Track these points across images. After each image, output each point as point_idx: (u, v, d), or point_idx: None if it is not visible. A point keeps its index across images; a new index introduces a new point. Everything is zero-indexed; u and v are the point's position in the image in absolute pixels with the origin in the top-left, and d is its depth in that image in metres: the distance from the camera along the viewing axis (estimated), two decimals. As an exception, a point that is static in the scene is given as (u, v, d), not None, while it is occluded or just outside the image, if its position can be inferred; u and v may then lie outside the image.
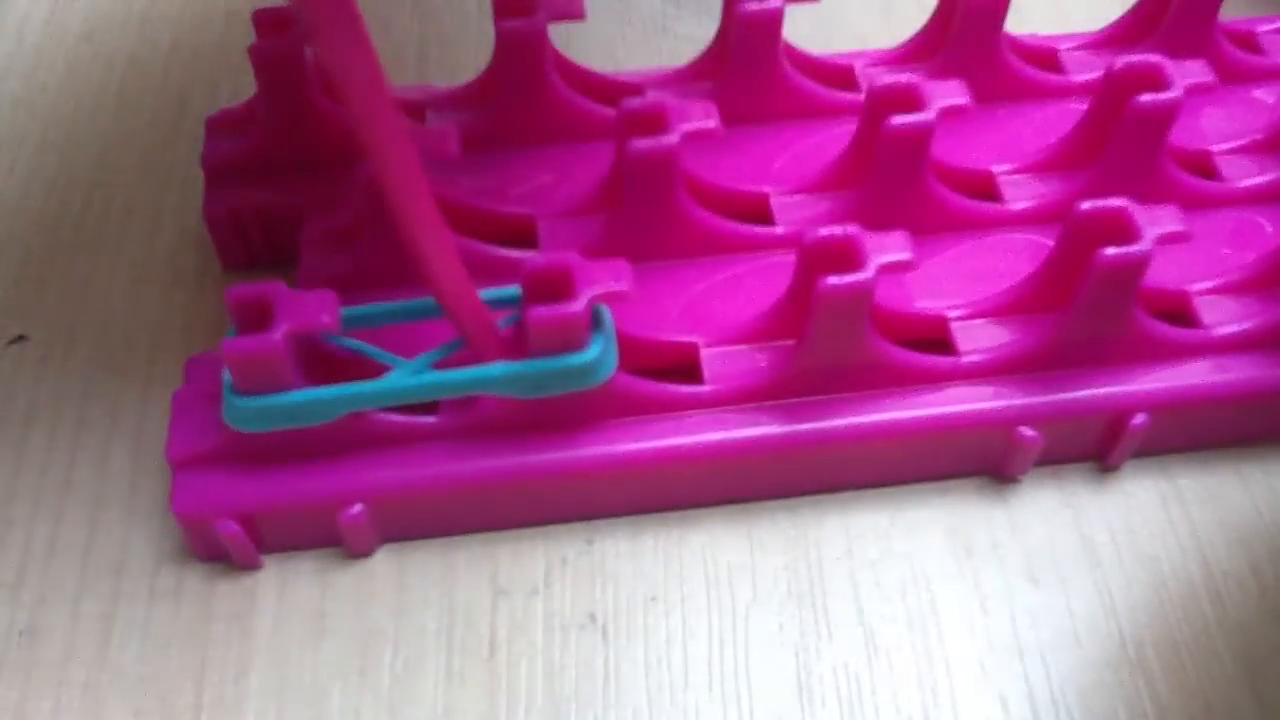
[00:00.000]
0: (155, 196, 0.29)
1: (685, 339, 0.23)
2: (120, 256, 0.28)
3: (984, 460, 0.24)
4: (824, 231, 0.21)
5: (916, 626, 0.22)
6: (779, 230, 0.25)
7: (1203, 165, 0.27)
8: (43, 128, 0.30)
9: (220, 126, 0.27)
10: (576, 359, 0.21)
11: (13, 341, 0.26)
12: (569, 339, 0.21)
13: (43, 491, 0.24)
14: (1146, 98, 0.23)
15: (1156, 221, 0.21)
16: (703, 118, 0.23)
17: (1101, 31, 0.29)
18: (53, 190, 0.29)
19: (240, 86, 0.30)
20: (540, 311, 0.20)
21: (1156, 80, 0.24)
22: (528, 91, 0.26)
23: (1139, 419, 0.23)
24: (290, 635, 0.22)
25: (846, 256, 0.21)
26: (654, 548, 0.23)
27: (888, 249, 0.21)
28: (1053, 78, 0.28)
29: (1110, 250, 0.21)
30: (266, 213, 0.26)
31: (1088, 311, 0.22)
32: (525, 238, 0.25)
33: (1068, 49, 0.29)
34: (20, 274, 0.27)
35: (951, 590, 0.23)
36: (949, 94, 0.23)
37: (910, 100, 0.23)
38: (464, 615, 0.22)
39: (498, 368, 0.21)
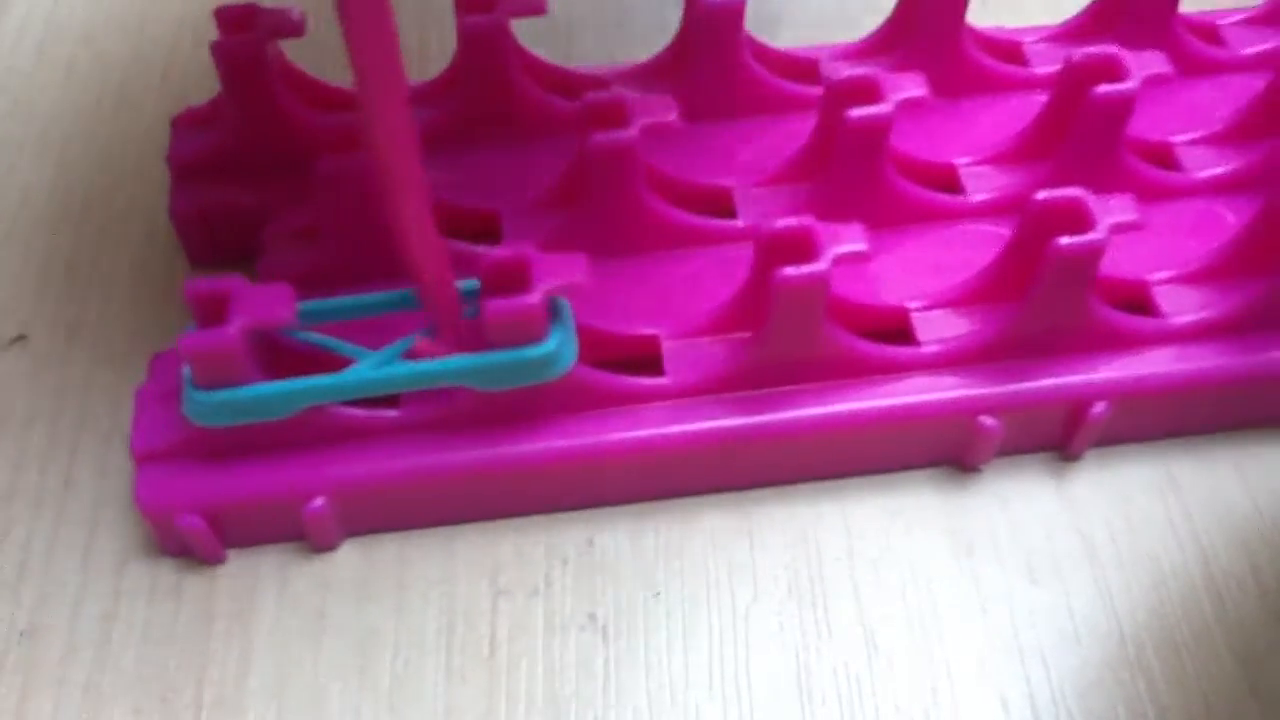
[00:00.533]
0: (154, 197, 0.29)
1: (646, 331, 0.23)
2: (120, 256, 0.28)
3: (945, 450, 0.24)
4: (780, 223, 0.21)
5: (916, 626, 0.22)
6: (741, 223, 0.25)
7: (1163, 156, 0.27)
8: (43, 128, 0.31)
9: (186, 124, 0.27)
10: (535, 351, 0.21)
11: (14, 341, 0.26)
12: (527, 331, 0.21)
13: (43, 491, 0.24)
14: (1104, 88, 0.24)
15: (1111, 211, 0.21)
16: (662, 111, 0.23)
17: (1064, 24, 0.29)
18: (53, 190, 0.29)
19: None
20: (497, 304, 0.20)
21: (1114, 71, 0.24)
22: (491, 87, 0.26)
23: (1099, 408, 0.23)
24: (290, 635, 0.22)
25: (802, 248, 0.21)
26: (654, 547, 0.23)
27: (843, 240, 0.21)
28: (1015, 70, 0.28)
29: (1065, 239, 0.21)
30: (232, 210, 0.26)
31: (1045, 300, 0.22)
32: (489, 232, 0.25)
33: (1031, 41, 0.29)
34: (20, 274, 0.28)
35: (951, 590, 0.23)
36: (907, 86, 0.23)
37: (869, 92, 0.23)
38: (464, 615, 0.23)
39: (457, 360, 0.21)
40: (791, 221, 0.21)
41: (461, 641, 0.22)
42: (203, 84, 0.31)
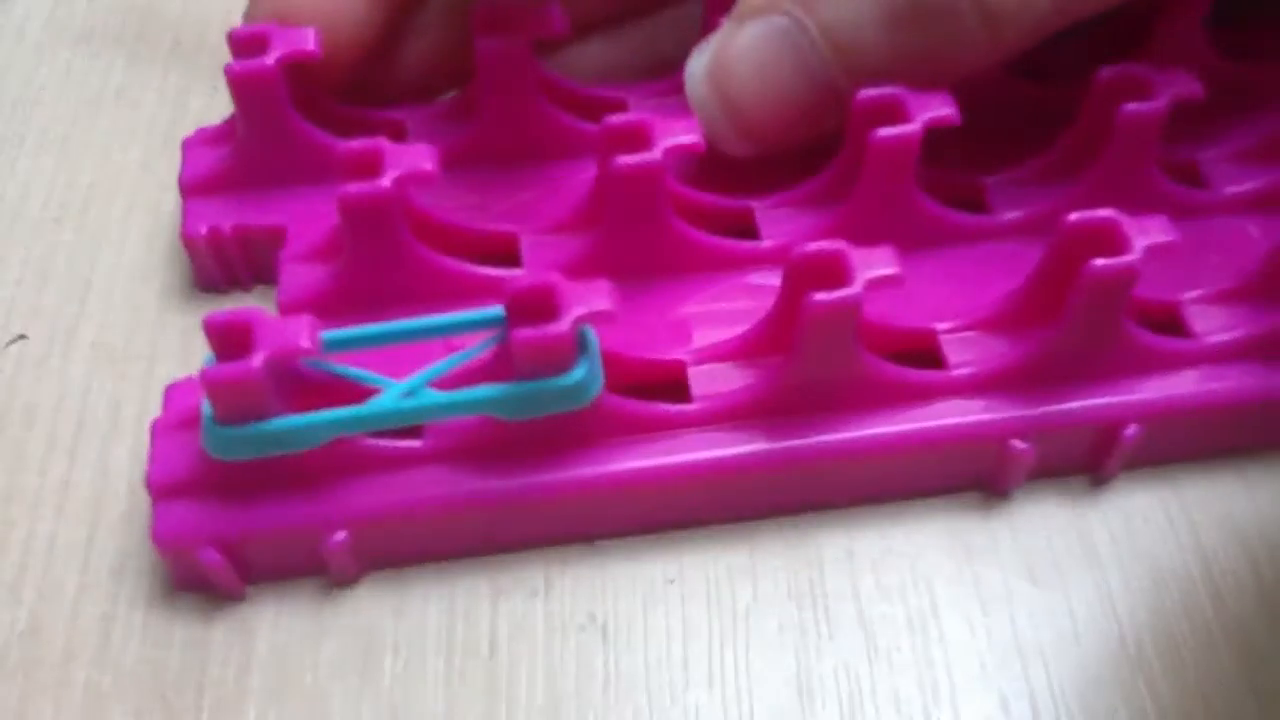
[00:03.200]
0: (155, 197, 0.29)
1: (672, 357, 0.23)
2: (121, 256, 0.28)
3: (976, 474, 0.23)
4: (810, 247, 0.21)
5: (917, 627, 0.22)
6: (766, 244, 0.25)
7: (1190, 173, 0.27)
8: (42, 128, 0.30)
9: (198, 145, 0.27)
10: (563, 380, 0.21)
11: (13, 341, 0.26)
12: (555, 360, 0.20)
13: (43, 491, 0.24)
14: (1133, 106, 0.23)
15: (1146, 232, 0.21)
16: (687, 133, 0.23)
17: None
18: (53, 190, 0.29)
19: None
20: (525, 333, 0.20)
21: (1143, 87, 0.24)
22: (510, 108, 0.26)
23: (1131, 430, 0.23)
24: (291, 635, 0.22)
25: (833, 272, 0.21)
26: (655, 548, 0.23)
27: (875, 264, 0.20)
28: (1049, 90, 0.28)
29: (1100, 261, 0.21)
30: (245, 233, 0.26)
31: (1078, 323, 0.22)
32: (508, 255, 0.25)
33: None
34: (20, 274, 0.27)
35: (952, 591, 0.23)
36: (934, 105, 0.23)
37: (897, 111, 0.23)
38: (464, 615, 0.22)
39: (484, 389, 0.21)
40: (823, 245, 0.21)
41: (462, 641, 0.22)
42: (204, 84, 0.31)
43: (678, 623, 0.22)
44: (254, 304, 0.25)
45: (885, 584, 0.23)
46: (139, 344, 0.26)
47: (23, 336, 0.26)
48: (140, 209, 0.28)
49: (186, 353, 0.26)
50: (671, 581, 0.23)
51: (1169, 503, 0.24)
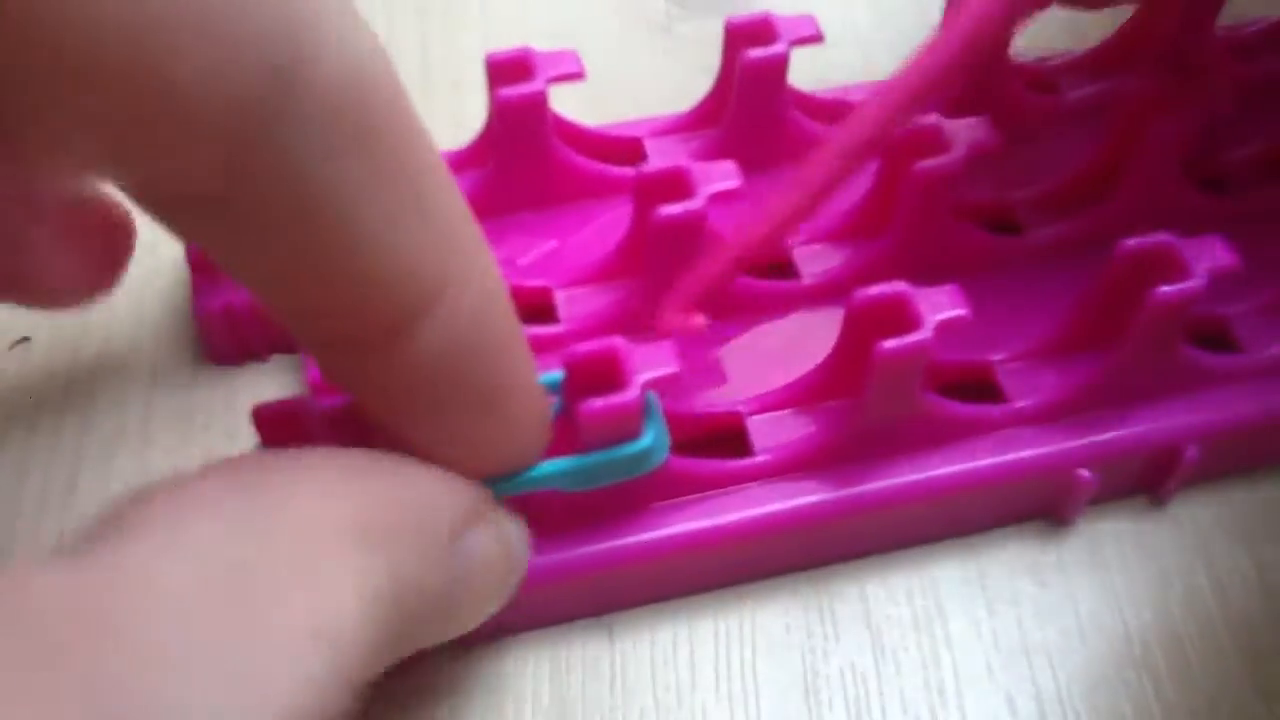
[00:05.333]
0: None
1: (729, 409, 0.22)
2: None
3: (1042, 505, 0.23)
4: (873, 291, 0.20)
5: (923, 627, 0.22)
6: (805, 282, 0.24)
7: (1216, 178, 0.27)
8: None
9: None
10: (631, 448, 0.20)
11: (17, 343, 0.26)
12: (623, 429, 0.20)
13: (48, 494, 0.23)
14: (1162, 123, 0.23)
15: (1204, 255, 0.21)
16: (725, 178, 0.22)
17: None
18: None
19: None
20: (594, 404, 0.19)
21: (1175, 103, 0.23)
22: (527, 156, 0.25)
23: (1192, 451, 0.23)
24: None
25: (898, 315, 0.20)
26: None
27: (942, 305, 0.20)
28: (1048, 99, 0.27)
29: (1166, 288, 0.20)
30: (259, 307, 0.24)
31: (1140, 348, 0.21)
32: (543, 310, 0.24)
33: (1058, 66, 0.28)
34: None
35: (957, 591, 0.23)
36: (975, 130, 0.23)
37: (936, 141, 0.23)
38: None
39: (550, 464, 0.20)
40: (884, 288, 0.20)
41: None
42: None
43: (684, 624, 0.22)
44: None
45: (891, 585, 0.23)
46: (143, 347, 0.26)
47: (26, 339, 0.26)
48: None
49: (191, 352, 0.25)
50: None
51: (1174, 501, 0.24)
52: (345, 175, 0.14)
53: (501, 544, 0.18)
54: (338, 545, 0.14)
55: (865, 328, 0.20)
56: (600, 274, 0.24)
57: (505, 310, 0.17)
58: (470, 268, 0.16)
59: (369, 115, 0.14)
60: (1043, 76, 0.28)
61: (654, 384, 0.19)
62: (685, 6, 0.32)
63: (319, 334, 0.16)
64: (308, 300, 0.15)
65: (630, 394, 0.19)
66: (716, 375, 0.24)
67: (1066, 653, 0.22)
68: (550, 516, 0.21)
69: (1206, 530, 0.23)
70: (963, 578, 0.23)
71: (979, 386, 0.23)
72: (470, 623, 0.18)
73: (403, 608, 0.15)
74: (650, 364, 0.19)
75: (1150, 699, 0.21)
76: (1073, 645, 0.22)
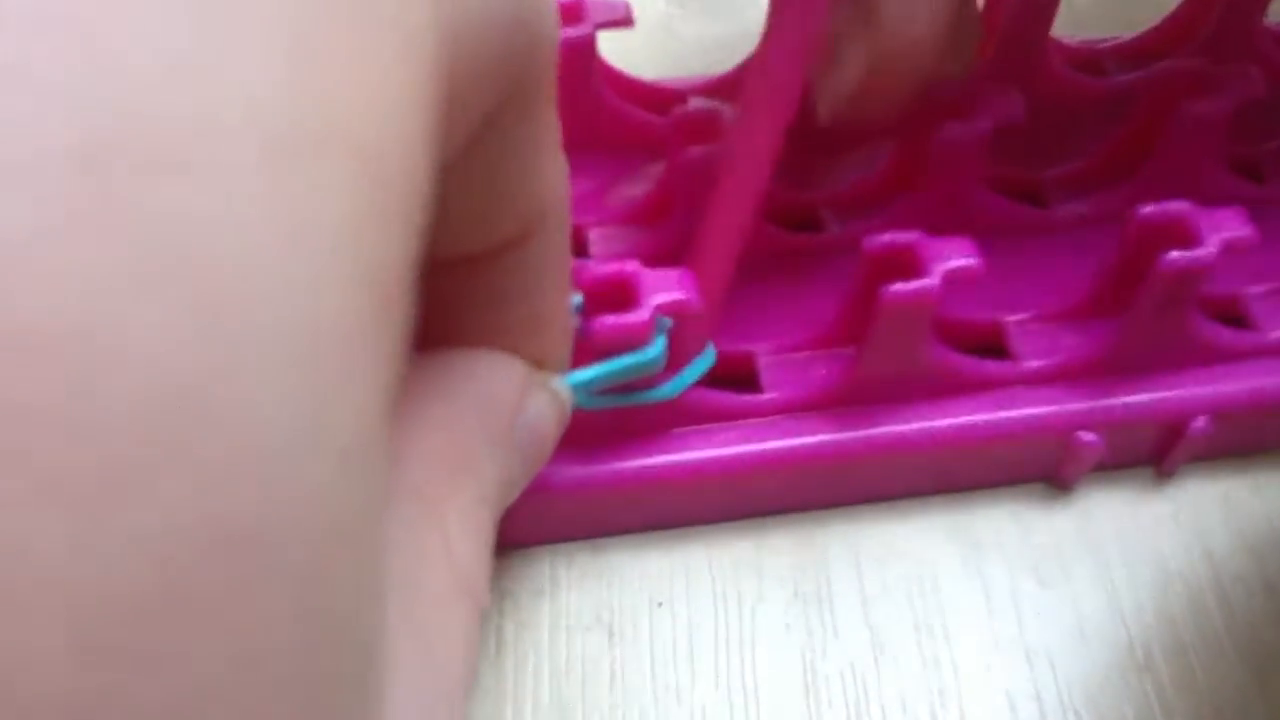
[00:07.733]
0: None
1: (741, 348, 0.23)
2: None
3: (1042, 466, 0.24)
4: (885, 237, 0.21)
5: (923, 627, 0.22)
6: (833, 233, 0.25)
7: (1253, 165, 0.27)
8: None
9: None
10: (640, 356, 0.20)
11: None
12: (633, 348, 0.20)
13: None
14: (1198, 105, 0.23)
15: (1220, 225, 0.21)
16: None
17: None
18: None
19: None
20: (604, 321, 0.20)
21: (1207, 85, 0.24)
22: (573, 98, 0.26)
23: (1199, 423, 0.23)
24: None
25: (909, 263, 0.21)
26: (660, 548, 0.23)
27: (952, 255, 0.21)
28: (1096, 80, 0.28)
29: (1175, 254, 0.21)
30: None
31: (1150, 316, 0.22)
32: (575, 247, 0.25)
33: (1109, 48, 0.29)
34: None
35: (958, 591, 0.23)
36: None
37: (962, 108, 0.23)
38: None
39: (570, 375, 0.21)
40: (897, 235, 0.21)
41: (467, 641, 0.22)
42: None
43: (684, 623, 0.22)
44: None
45: (891, 583, 0.23)
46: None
47: None
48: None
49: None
50: (677, 582, 0.23)
51: (1177, 503, 0.24)
52: (539, 126, 0.15)
53: (555, 403, 0.19)
54: None
55: (876, 274, 0.21)
56: (633, 215, 0.25)
57: (569, 224, 0.18)
58: (566, 185, 0.17)
59: (553, 71, 0.15)
60: (1088, 58, 0.28)
61: (667, 308, 0.20)
62: (687, 7, 0.33)
63: (441, 256, 0.16)
64: (469, 229, 0.16)
65: (641, 314, 0.20)
66: (746, 322, 0.25)
67: (1068, 653, 0.22)
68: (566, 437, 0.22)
69: (1208, 531, 0.23)
70: (964, 577, 0.23)
71: (993, 348, 0.24)
72: (525, 484, 0.19)
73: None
74: (664, 288, 0.20)
75: (1152, 701, 0.21)
76: (1074, 645, 0.22)
